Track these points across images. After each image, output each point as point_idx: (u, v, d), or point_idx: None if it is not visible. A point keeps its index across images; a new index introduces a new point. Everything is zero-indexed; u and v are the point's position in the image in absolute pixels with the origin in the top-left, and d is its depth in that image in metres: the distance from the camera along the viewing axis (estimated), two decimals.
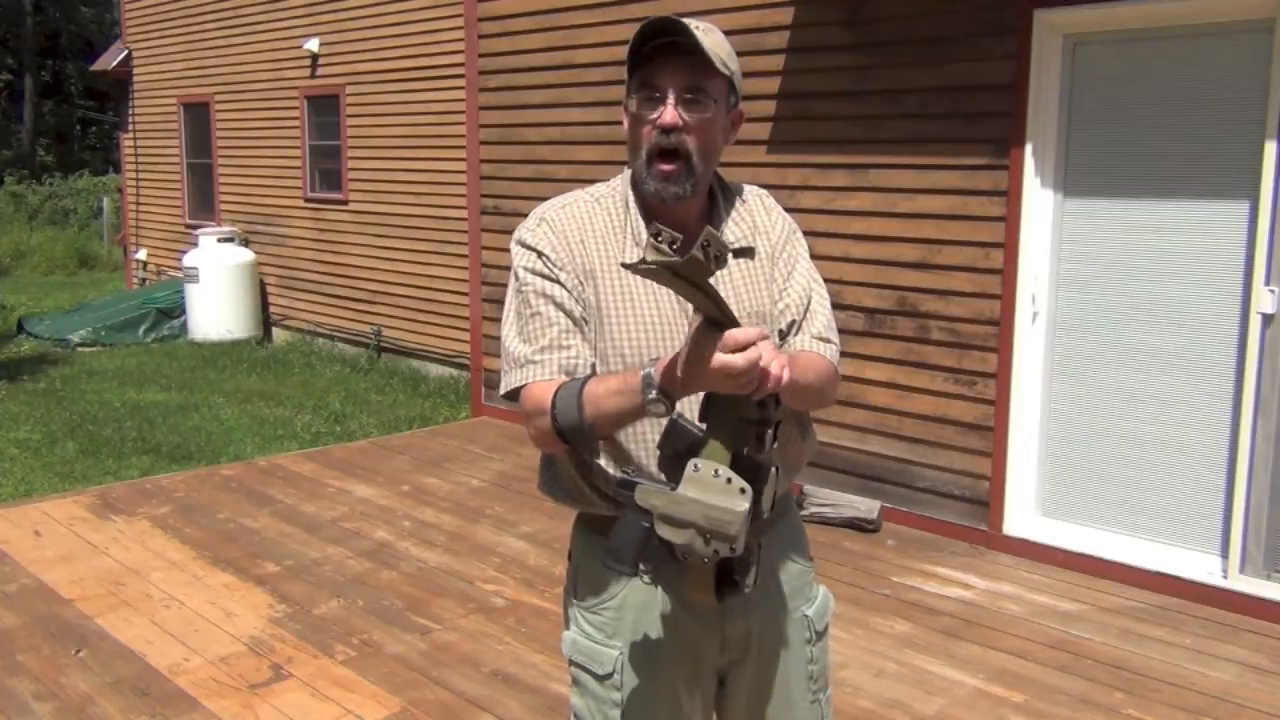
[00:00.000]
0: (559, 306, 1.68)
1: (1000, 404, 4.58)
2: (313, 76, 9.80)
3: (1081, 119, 4.40)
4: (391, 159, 9.08)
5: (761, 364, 1.38)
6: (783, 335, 1.76)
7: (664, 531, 1.48)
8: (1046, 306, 4.54)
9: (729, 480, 1.44)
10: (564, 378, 1.63)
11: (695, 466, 1.46)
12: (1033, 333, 4.55)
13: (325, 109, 9.75)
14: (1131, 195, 4.30)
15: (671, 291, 1.60)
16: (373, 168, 9.30)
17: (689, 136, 1.64)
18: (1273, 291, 3.91)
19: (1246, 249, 4.01)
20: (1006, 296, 4.52)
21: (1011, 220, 4.48)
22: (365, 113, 9.31)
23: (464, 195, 7.32)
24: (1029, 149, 4.41)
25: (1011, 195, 4.46)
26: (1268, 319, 3.95)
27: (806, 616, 1.83)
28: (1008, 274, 4.51)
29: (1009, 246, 4.49)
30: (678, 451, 1.49)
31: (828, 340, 1.78)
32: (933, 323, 4.77)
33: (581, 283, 1.70)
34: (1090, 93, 4.36)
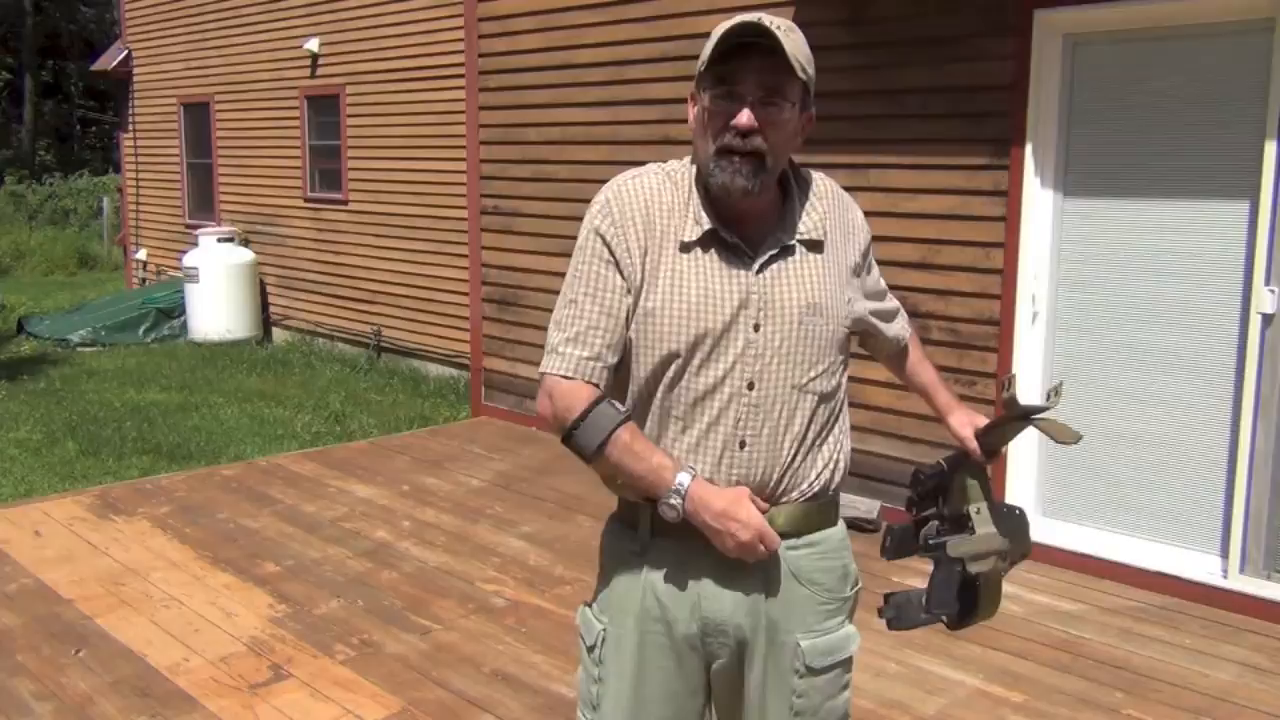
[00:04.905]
0: (595, 299, 1.70)
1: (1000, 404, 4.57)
2: (313, 76, 9.80)
3: (1081, 119, 4.39)
4: (391, 159, 9.08)
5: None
6: (884, 321, 2.09)
7: (974, 567, 1.81)
8: (1046, 306, 4.54)
9: (1013, 511, 1.88)
10: (581, 380, 1.68)
11: (977, 510, 1.84)
12: (1033, 333, 4.55)
13: (325, 109, 9.75)
14: (1131, 195, 4.30)
15: (721, 279, 1.69)
16: (373, 168, 9.29)
17: (762, 138, 1.64)
18: (1273, 291, 3.91)
19: (1246, 249, 4.01)
20: (1006, 296, 4.52)
21: (1012, 220, 4.48)
22: (365, 113, 9.31)
23: (464, 195, 7.31)
24: (1029, 149, 4.41)
25: (1012, 195, 4.46)
26: (1268, 319, 3.95)
27: (799, 645, 1.77)
28: (1008, 274, 4.51)
29: (1009, 246, 4.49)
30: (927, 490, 1.92)
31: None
32: (933, 323, 4.76)
33: (638, 257, 1.70)
34: (1090, 93, 4.36)
